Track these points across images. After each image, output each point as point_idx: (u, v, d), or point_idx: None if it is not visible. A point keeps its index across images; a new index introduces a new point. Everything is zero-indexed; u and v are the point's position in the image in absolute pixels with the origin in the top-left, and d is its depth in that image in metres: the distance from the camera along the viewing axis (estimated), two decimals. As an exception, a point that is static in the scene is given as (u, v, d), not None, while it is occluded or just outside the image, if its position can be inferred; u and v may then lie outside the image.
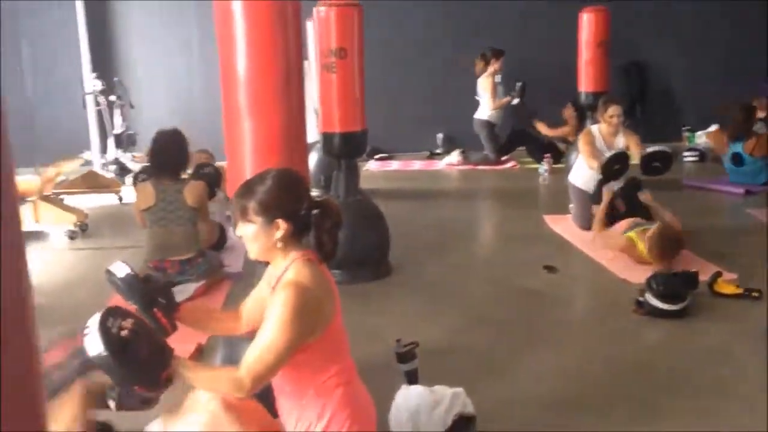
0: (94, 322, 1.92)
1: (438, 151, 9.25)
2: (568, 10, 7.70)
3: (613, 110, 5.22)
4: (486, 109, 8.38)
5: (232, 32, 2.41)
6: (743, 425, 2.69)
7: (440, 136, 9.30)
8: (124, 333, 1.94)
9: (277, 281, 2.09)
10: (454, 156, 8.55)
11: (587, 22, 7.23)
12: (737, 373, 3.17)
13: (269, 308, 2.02)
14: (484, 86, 8.37)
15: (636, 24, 8.92)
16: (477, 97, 8.50)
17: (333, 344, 2.10)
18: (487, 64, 8.45)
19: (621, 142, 5.30)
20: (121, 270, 2.20)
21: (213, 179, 4.86)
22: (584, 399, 2.98)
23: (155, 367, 1.97)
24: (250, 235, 2.09)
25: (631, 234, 4.61)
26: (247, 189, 2.10)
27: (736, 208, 6.18)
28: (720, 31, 9.38)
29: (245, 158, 2.53)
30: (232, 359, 2.79)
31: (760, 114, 7.69)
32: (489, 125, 8.39)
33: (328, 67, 4.24)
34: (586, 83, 7.24)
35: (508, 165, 8.44)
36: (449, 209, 6.60)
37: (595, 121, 5.55)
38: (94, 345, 1.89)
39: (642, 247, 4.48)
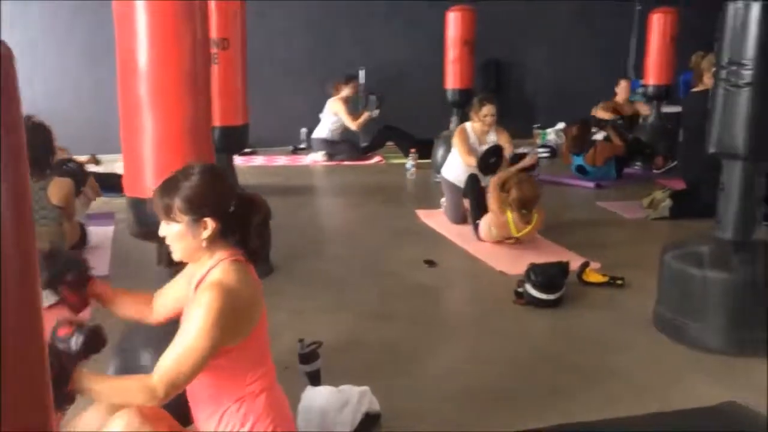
0: None
1: (302, 146, 9.18)
2: (436, 9, 7.89)
3: (487, 110, 5.41)
4: (324, 129, 8.42)
5: (133, 27, 2.26)
6: (640, 408, 2.83)
7: (304, 130, 9.21)
8: None
9: (200, 281, 1.97)
10: (320, 152, 8.51)
11: (453, 21, 7.44)
12: (623, 358, 3.36)
13: (190, 309, 1.90)
14: (334, 109, 8.37)
15: (498, 22, 9.22)
16: (320, 115, 8.49)
17: (257, 348, 2.02)
18: (338, 91, 8.46)
19: (493, 139, 5.49)
20: None
21: (77, 176, 4.53)
22: (488, 391, 3.03)
23: (54, 385, 1.81)
24: (175, 236, 1.96)
25: (509, 214, 4.96)
26: (171, 185, 1.95)
27: (588, 201, 6.61)
28: (579, 33, 9.96)
29: (145, 153, 2.37)
30: (127, 368, 2.61)
31: (621, 97, 8.30)
32: (326, 143, 8.43)
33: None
34: (452, 80, 7.45)
35: (374, 160, 8.52)
36: (321, 205, 6.56)
37: (467, 119, 5.72)
38: None
39: (511, 220, 4.92)
